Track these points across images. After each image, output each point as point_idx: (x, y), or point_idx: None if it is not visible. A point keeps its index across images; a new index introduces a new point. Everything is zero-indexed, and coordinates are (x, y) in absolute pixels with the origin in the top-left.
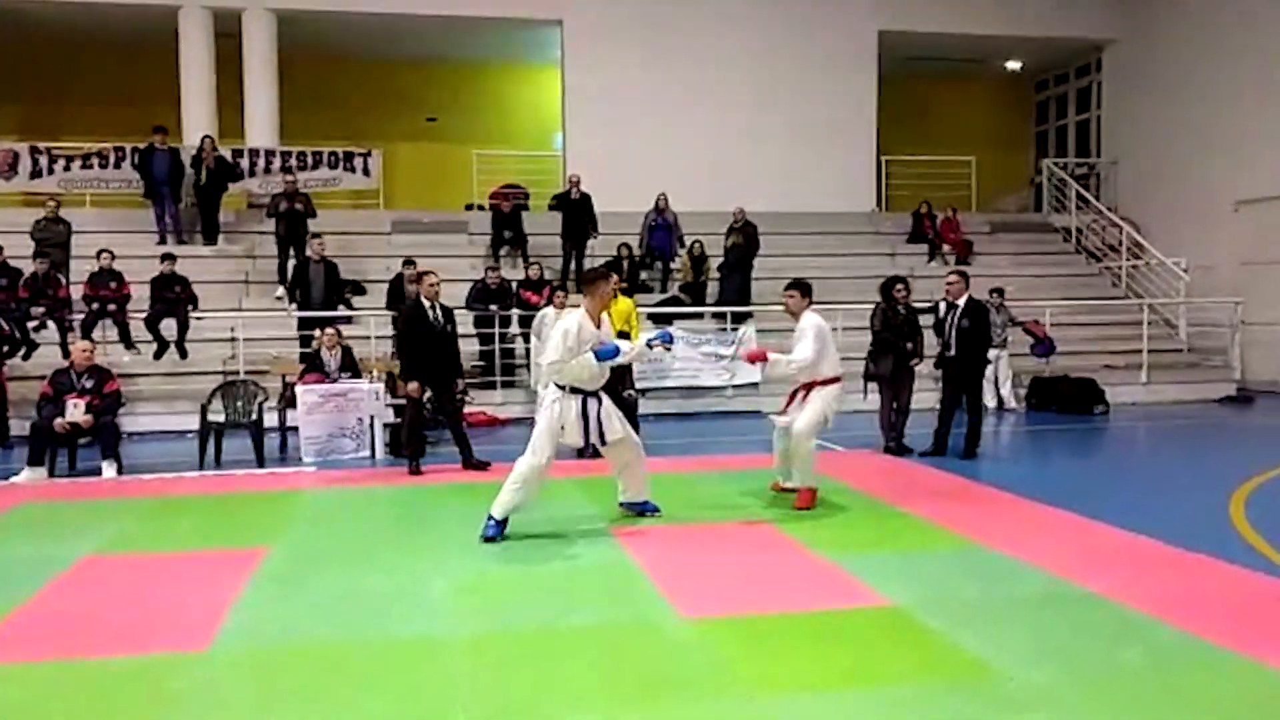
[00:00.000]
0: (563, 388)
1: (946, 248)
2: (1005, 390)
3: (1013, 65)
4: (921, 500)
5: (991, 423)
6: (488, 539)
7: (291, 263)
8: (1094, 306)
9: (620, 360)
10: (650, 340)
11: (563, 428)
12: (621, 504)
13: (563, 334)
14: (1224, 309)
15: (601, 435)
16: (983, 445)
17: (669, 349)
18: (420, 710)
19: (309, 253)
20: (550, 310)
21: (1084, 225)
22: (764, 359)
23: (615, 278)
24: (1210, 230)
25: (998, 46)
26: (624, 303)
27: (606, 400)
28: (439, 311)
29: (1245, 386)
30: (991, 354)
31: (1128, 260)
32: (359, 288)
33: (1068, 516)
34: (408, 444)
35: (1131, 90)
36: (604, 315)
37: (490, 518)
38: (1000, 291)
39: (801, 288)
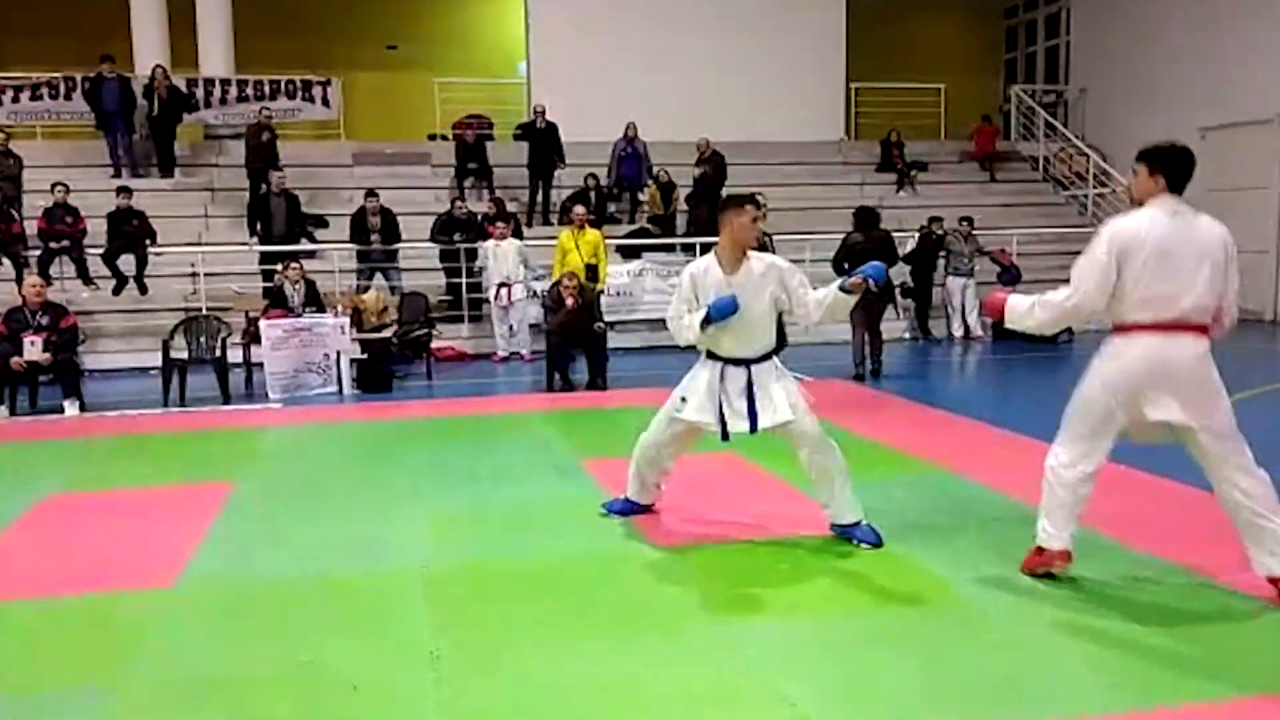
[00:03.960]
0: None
1: (916, 174)
2: (972, 319)
3: None
4: (888, 428)
5: (958, 351)
6: (608, 510)
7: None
8: (1060, 234)
9: (820, 315)
10: (843, 284)
11: (683, 399)
12: (831, 526)
13: (681, 281)
14: None
15: (753, 418)
16: (952, 372)
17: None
18: (389, 645)
19: (270, 185)
20: (491, 243)
21: (1052, 154)
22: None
23: (751, 207)
24: None
25: None
26: (592, 234)
27: (771, 371)
28: None
29: None
30: (959, 283)
31: (1094, 188)
32: (321, 221)
33: (1030, 441)
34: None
35: (1100, 17)
36: (746, 261)
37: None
38: (969, 220)
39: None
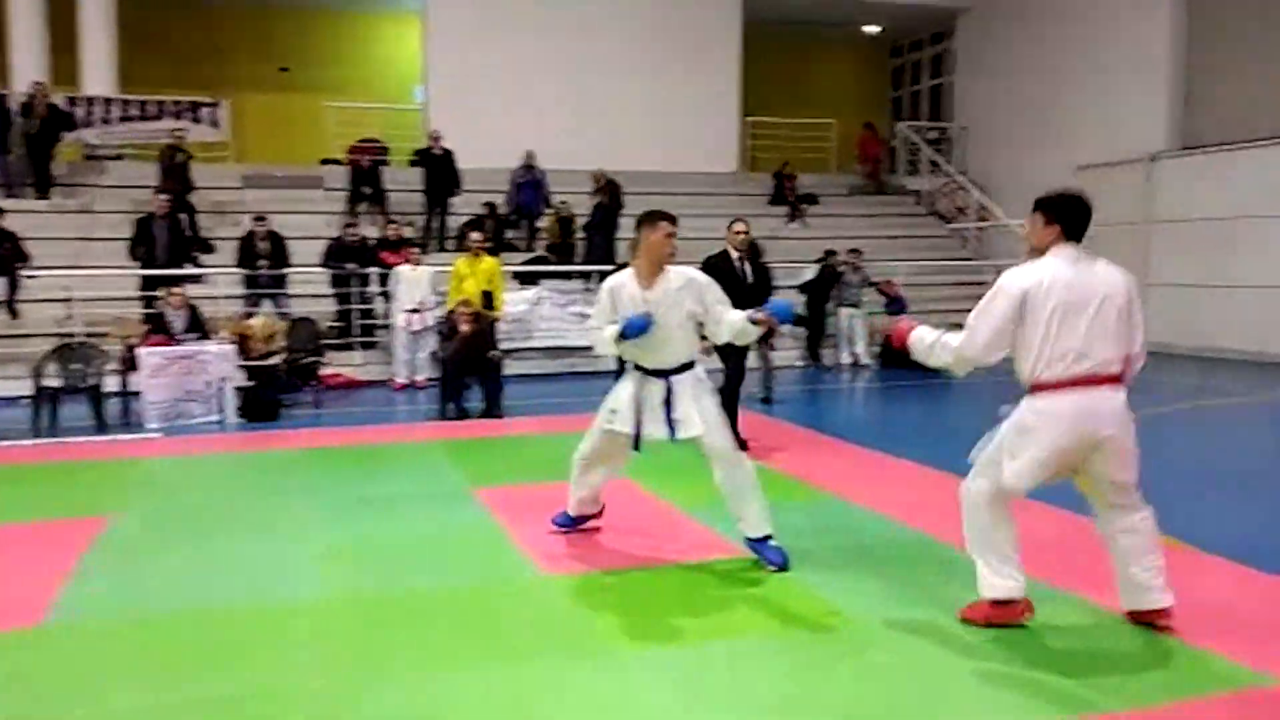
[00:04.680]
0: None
1: (806, 207)
2: (860, 348)
3: (871, 30)
4: (777, 454)
5: (846, 379)
6: (555, 525)
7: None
8: (944, 267)
9: (736, 336)
10: (753, 316)
11: (614, 411)
12: (745, 540)
13: (600, 295)
14: None
15: (671, 428)
16: (841, 400)
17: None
18: (271, 680)
19: (153, 208)
20: (405, 268)
21: (936, 188)
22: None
23: (665, 223)
24: None
25: (859, 11)
26: (488, 261)
27: (690, 383)
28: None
29: None
30: (848, 312)
31: (976, 223)
32: (207, 245)
33: (910, 465)
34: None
35: (982, 57)
36: (663, 276)
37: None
38: (858, 252)
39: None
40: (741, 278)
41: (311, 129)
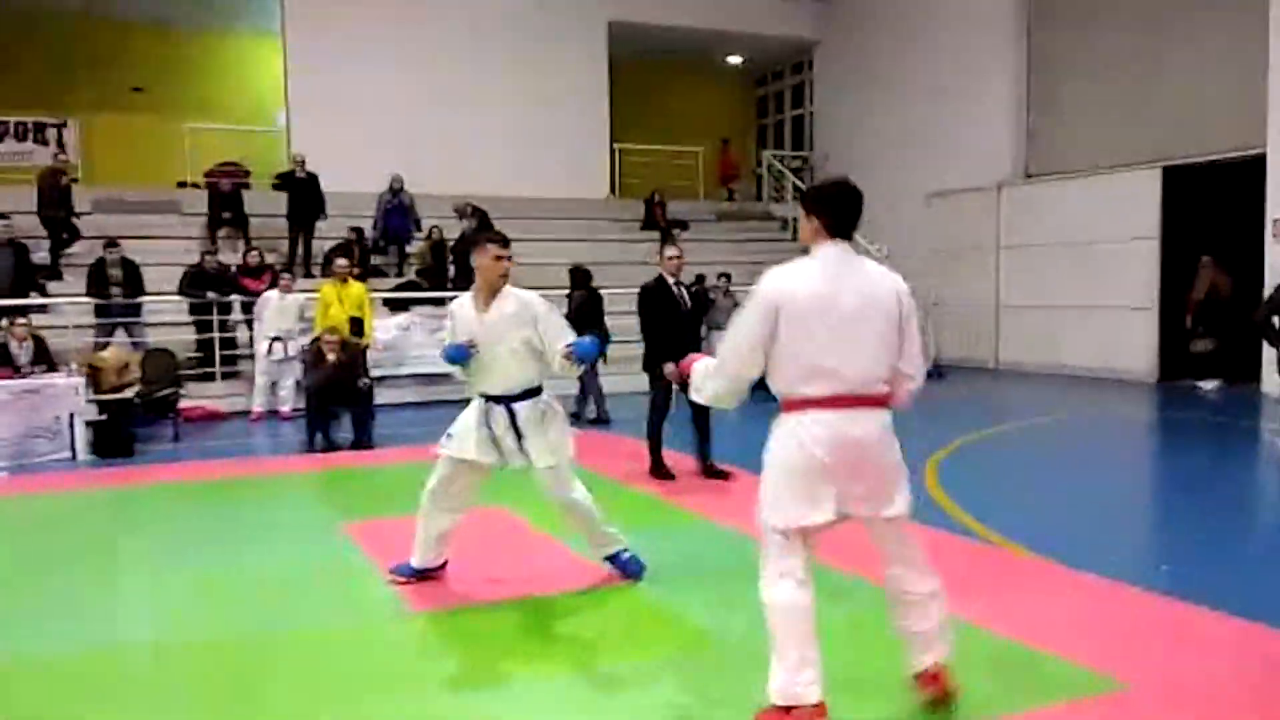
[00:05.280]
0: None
1: (678, 232)
2: None
3: (734, 61)
4: (656, 481)
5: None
6: (394, 576)
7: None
8: None
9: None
10: (564, 352)
11: (449, 435)
12: (602, 560)
13: (449, 315)
14: (919, 291)
15: (523, 453)
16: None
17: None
18: None
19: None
20: (274, 294)
21: (800, 214)
22: None
23: (493, 245)
24: (905, 220)
25: (720, 42)
26: (356, 287)
27: (531, 410)
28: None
29: (939, 362)
30: (718, 336)
31: None
32: (55, 273)
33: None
34: (653, 439)
35: (839, 88)
36: (499, 299)
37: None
38: (727, 276)
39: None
40: (679, 303)
41: (167, 151)
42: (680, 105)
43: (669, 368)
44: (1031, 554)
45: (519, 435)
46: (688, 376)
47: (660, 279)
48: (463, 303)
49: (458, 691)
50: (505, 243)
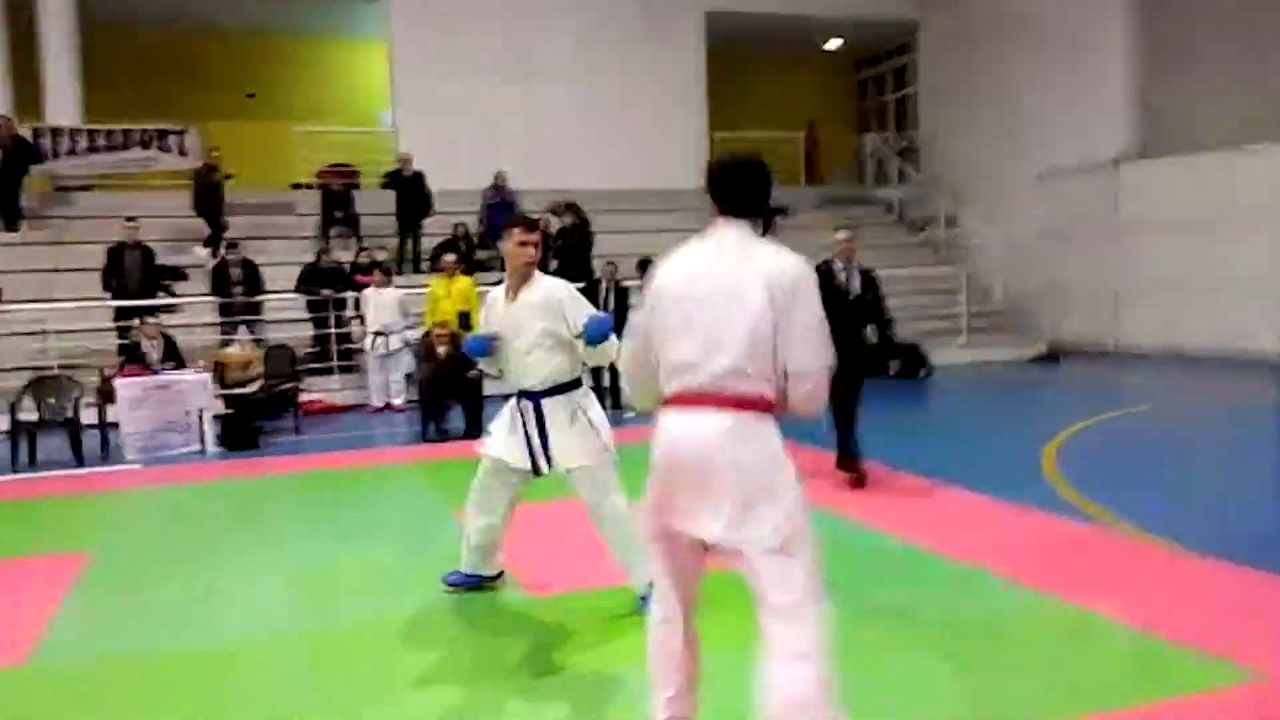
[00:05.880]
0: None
1: (777, 220)
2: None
3: (834, 45)
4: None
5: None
6: (447, 582)
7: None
8: (914, 275)
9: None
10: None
11: (488, 433)
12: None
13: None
14: (1033, 274)
15: (547, 457)
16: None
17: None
18: (259, 710)
19: (124, 237)
20: (370, 291)
21: (905, 197)
22: None
23: (518, 231)
24: (1017, 200)
25: (819, 27)
26: (463, 282)
27: (562, 407)
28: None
29: (1055, 345)
30: None
31: (945, 230)
32: (179, 273)
33: (895, 475)
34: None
35: (943, 69)
36: (527, 288)
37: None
38: (829, 262)
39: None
40: (845, 290)
41: (280, 154)
42: (777, 91)
43: None
44: (1157, 541)
45: (545, 435)
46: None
47: (827, 263)
48: (496, 294)
49: (576, 675)
50: (530, 227)
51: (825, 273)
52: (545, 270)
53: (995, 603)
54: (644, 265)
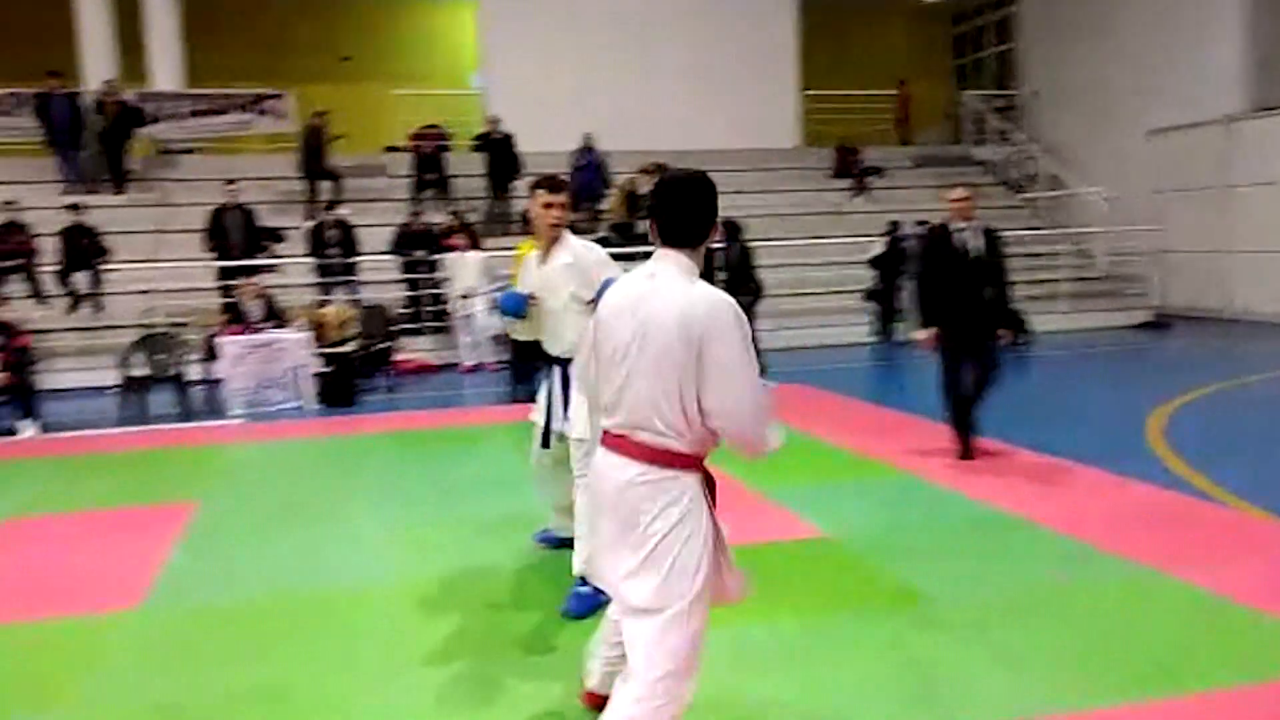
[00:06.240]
0: None
1: (870, 180)
2: None
3: None
4: (852, 434)
5: (923, 355)
6: (538, 540)
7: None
8: (1014, 238)
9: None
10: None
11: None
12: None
13: None
14: (1140, 237)
15: (564, 419)
16: (915, 378)
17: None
18: (353, 664)
19: (224, 199)
20: (455, 255)
21: (1004, 157)
22: None
23: (542, 191)
24: (1125, 160)
25: None
26: None
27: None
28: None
29: (1163, 312)
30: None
31: (1048, 192)
32: (278, 235)
33: (994, 444)
34: (951, 412)
35: (1051, 21)
36: (557, 249)
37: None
38: (925, 224)
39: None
40: (963, 252)
41: (373, 117)
42: (869, 47)
43: (921, 334)
44: (1268, 516)
45: (566, 400)
46: (936, 348)
47: (943, 225)
48: (532, 255)
49: None
50: (555, 188)
51: (941, 235)
52: (632, 231)
53: (1101, 576)
54: (727, 227)
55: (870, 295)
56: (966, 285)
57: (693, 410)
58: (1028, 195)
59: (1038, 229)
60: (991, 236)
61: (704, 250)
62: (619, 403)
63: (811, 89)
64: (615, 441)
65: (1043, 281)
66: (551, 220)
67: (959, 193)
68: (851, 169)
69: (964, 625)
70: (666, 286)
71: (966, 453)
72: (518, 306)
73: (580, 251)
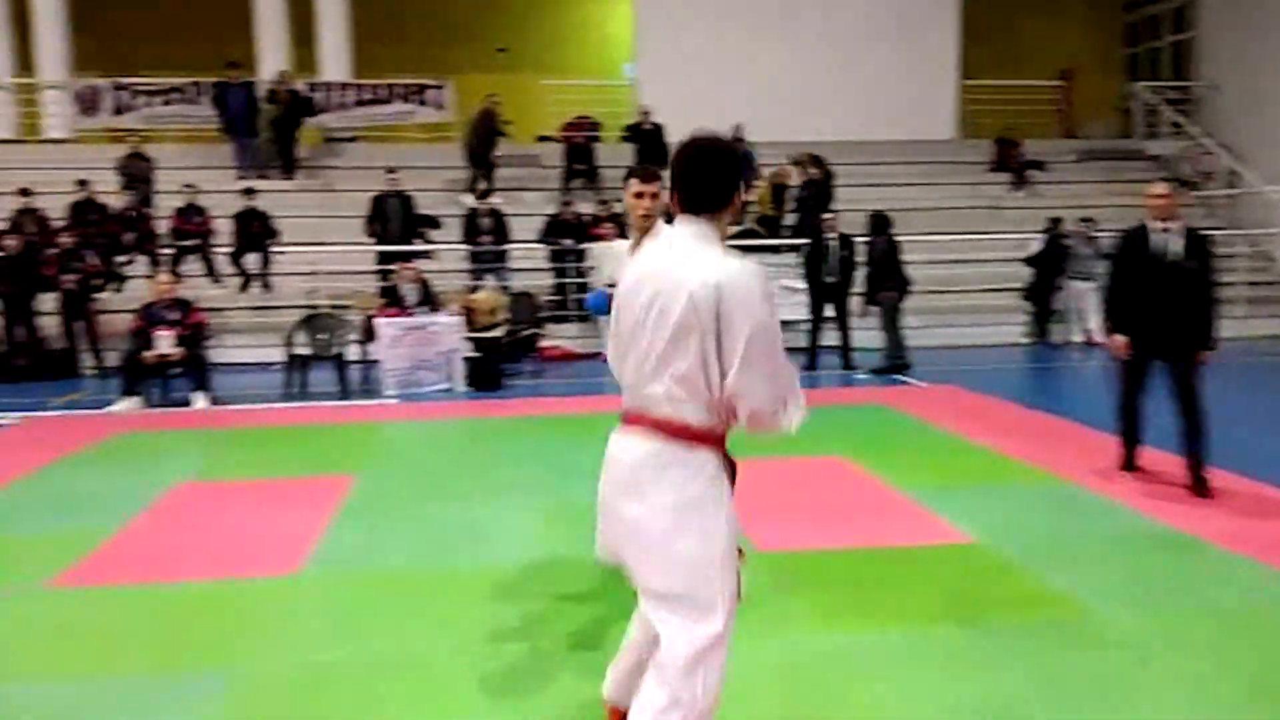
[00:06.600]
0: None
1: (1031, 175)
2: (1093, 325)
3: None
4: (1003, 437)
5: (1076, 358)
6: None
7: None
8: None
9: None
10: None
11: None
12: None
13: None
14: None
15: None
16: (1071, 382)
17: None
18: (502, 636)
19: (385, 186)
20: (599, 246)
21: (1179, 153)
22: None
23: (635, 181)
24: None
25: None
26: None
27: None
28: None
29: None
30: (1080, 287)
31: (1226, 190)
32: (434, 221)
33: (1162, 456)
34: (1121, 423)
35: (1234, 9)
36: (648, 241)
37: None
38: (1090, 221)
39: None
40: (1160, 256)
41: (527, 107)
42: (1036, 35)
43: (1115, 338)
44: None
45: None
46: (1125, 355)
47: (1140, 226)
48: (621, 246)
49: (787, 631)
50: (649, 177)
51: (1137, 236)
52: (779, 224)
53: (1268, 599)
54: (874, 219)
55: (1027, 294)
56: (1162, 293)
57: (715, 383)
58: (1203, 193)
59: (1214, 229)
60: (1196, 240)
61: (728, 218)
62: (636, 382)
63: (971, 79)
64: (634, 419)
65: (1218, 284)
66: (643, 210)
67: (1159, 189)
68: (1011, 163)
69: (1129, 644)
70: (687, 256)
71: (1130, 464)
72: (605, 304)
73: None
